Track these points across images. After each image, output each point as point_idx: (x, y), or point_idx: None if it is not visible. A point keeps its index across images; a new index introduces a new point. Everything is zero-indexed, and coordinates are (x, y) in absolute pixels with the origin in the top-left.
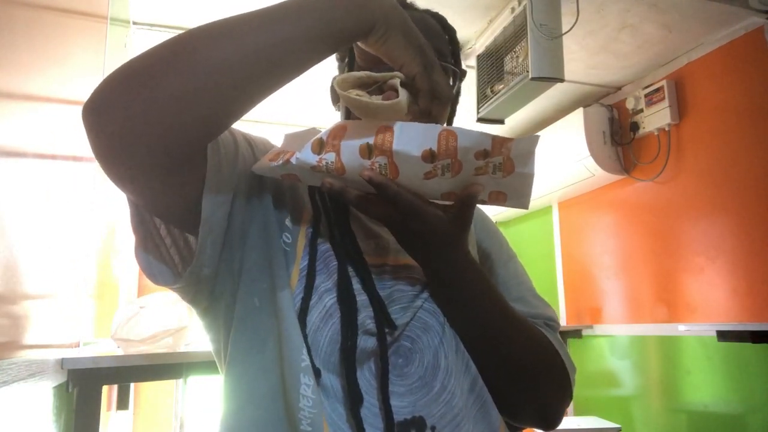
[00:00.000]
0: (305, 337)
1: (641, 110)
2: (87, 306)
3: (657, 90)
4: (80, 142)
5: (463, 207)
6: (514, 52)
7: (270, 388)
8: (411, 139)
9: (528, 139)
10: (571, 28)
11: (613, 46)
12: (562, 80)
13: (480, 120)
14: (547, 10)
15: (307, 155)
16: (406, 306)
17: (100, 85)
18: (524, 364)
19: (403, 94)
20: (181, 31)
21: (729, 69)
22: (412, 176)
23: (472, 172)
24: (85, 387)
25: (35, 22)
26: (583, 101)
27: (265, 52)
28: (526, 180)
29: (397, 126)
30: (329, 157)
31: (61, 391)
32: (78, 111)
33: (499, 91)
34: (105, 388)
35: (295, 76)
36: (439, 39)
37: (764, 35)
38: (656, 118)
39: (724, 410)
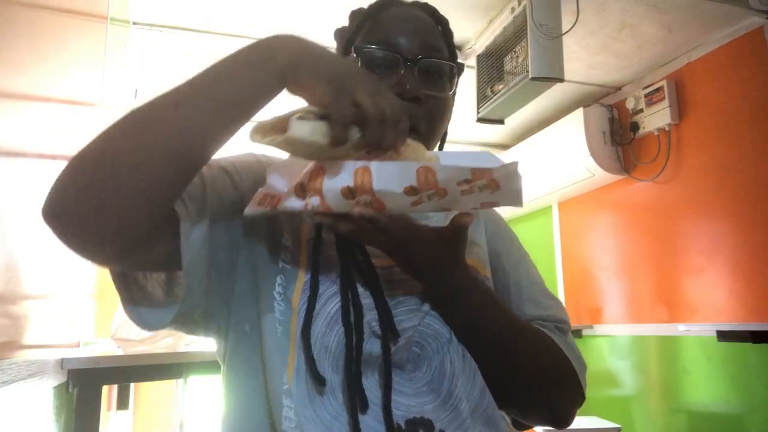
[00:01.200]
0: (308, 348)
1: (641, 110)
2: (87, 306)
3: (657, 90)
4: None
5: (456, 233)
6: (514, 52)
7: (260, 414)
8: (389, 177)
9: (508, 166)
10: (571, 28)
11: (613, 46)
12: (562, 80)
13: (480, 120)
14: (547, 10)
15: (292, 202)
16: (414, 309)
17: (50, 192)
18: (532, 373)
19: (305, 126)
20: (181, 32)
21: (729, 69)
22: (399, 207)
23: (459, 194)
24: (85, 387)
25: (35, 22)
26: (583, 101)
27: (184, 138)
28: (516, 187)
29: (374, 166)
30: (314, 201)
31: (61, 391)
32: (78, 111)
33: (499, 91)
34: (105, 388)
35: (227, 140)
36: (428, 32)
37: (764, 35)
38: (656, 118)
39: (724, 410)
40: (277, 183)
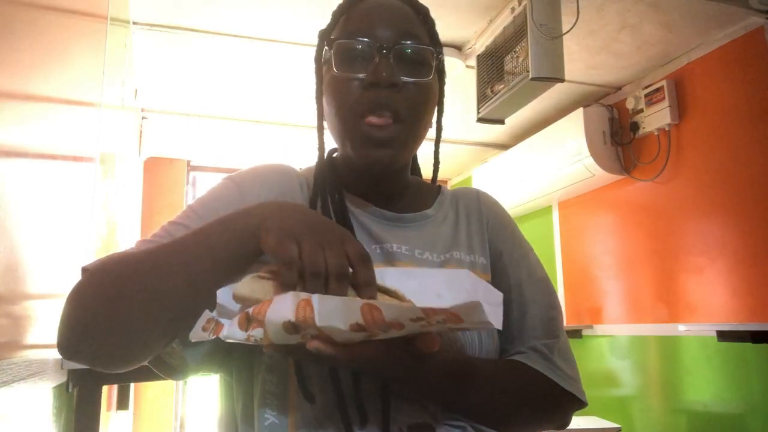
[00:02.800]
0: (299, 364)
1: (641, 110)
2: None
3: (657, 90)
4: (80, 142)
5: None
6: (514, 52)
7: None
8: (332, 312)
9: (467, 305)
10: (571, 28)
11: (613, 46)
12: (562, 80)
13: (480, 120)
14: (547, 10)
15: (234, 332)
16: None
17: (60, 331)
18: (519, 420)
19: (251, 285)
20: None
21: (729, 69)
22: (349, 340)
23: (417, 327)
24: (85, 387)
25: (35, 22)
26: (583, 101)
27: (163, 301)
28: (481, 319)
29: (315, 299)
30: (257, 333)
31: (61, 391)
32: (78, 111)
33: (499, 91)
34: (105, 388)
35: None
36: (404, 20)
37: (764, 35)
38: (656, 118)
39: (724, 410)
40: (226, 304)
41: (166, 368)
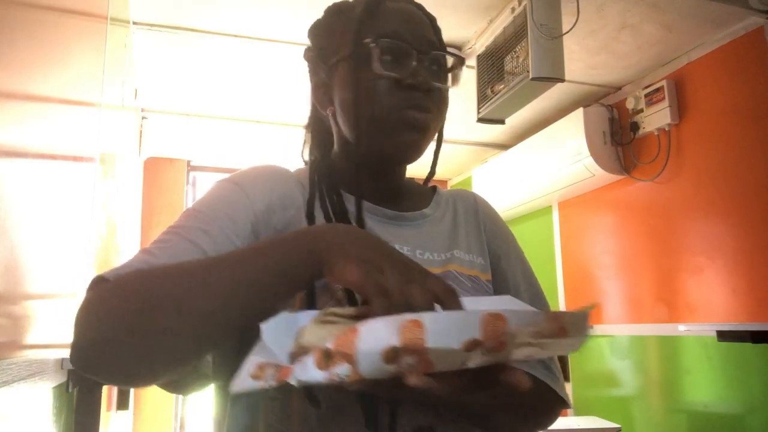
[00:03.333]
0: None
1: (641, 110)
2: None
3: (657, 90)
4: (80, 142)
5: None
6: (514, 52)
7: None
8: (447, 331)
9: (576, 316)
10: (571, 28)
11: (613, 46)
12: (562, 80)
13: (480, 120)
14: (547, 10)
15: (312, 373)
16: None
17: (76, 344)
18: (515, 422)
19: (319, 332)
20: (181, 32)
21: (729, 69)
22: (449, 366)
23: (514, 346)
24: (85, 387)
25: (35, 22)
26: (583, 101)
27: (210, 320)
28: (583, 335)
29: (427, 319)
30: (342, 370)
31: (61, 391)
32: (78, 111)
33: (500, 91)
34: (105, 388)
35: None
36: (427, 27)
37: (764, 35)
38: (656, 118)
39: (724, 410)
40: (277, 345)
41: (174, 385)
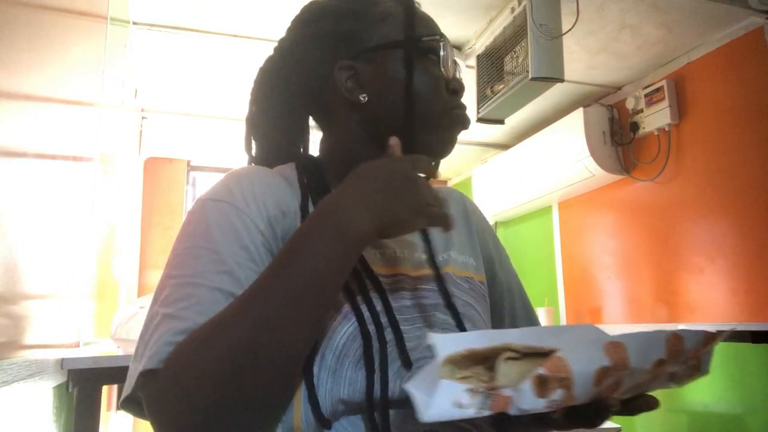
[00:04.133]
0: (311, 386)
1: (641, 110)
2: (87, 306)
3: (657, 90)
4: (80, 142)
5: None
6: (514, 52)
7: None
8: (643, 351)
9: (707, 337)
10: (571, 28)
11: (613, 46)
12: (562, 80)
13: (480, 120)
14: (547, 10)
15: (534, 402)
16: (426, 317)
17: (156, 399)
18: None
19: (512, 370)
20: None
21: (729, 69)
22: (593, 394)
23: (646, 373)
24: (85, 387)
25: (35, 22)
26: (583, 101)
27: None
28: (709, 359)
29: (626, 339)
30: (558, 395)
31: (61, 391)
32: (78, 111)
33: (499, 91)
34: (105, 388)
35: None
36: (429, 19)
37: (764, 35)
38: (656, 118)
39: (724, 410)
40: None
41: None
